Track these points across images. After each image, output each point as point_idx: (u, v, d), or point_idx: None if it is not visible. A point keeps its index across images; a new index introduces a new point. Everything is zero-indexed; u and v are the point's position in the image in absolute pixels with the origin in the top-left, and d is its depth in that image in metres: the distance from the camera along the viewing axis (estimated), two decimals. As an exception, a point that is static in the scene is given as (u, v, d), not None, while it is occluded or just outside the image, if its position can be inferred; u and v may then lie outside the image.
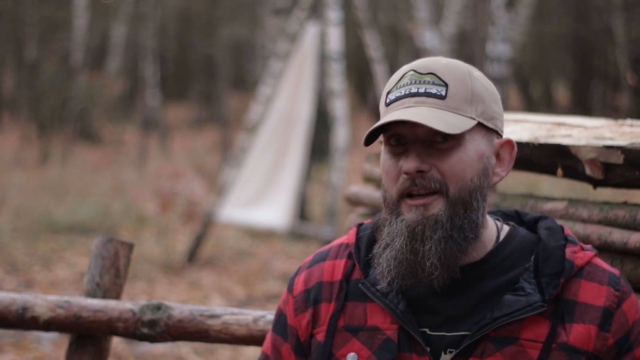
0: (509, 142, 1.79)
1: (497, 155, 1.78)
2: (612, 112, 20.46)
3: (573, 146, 2.25)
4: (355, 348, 1.77)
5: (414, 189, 1.71)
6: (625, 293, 1.75)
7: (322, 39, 10.89)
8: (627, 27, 20.09)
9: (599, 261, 1.78)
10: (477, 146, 1.73)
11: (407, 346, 1.74)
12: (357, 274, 1.82)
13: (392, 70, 17.67)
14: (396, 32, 23.71)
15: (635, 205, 2.21)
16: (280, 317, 1.90)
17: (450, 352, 1.72)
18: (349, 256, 1.85)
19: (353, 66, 23.70)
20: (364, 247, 1.83)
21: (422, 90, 1.73)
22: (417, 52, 15.57)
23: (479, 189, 1.73)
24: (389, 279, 1.72)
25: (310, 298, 1.84)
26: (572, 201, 2.33)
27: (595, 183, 2.30)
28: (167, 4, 24.83)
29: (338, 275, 1.83)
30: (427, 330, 1.74)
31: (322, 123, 12.46)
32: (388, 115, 1.72)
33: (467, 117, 1.72)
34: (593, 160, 2.21)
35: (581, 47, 23.21)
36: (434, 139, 1.71)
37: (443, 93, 1.72)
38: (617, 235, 2.16)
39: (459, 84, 1.73)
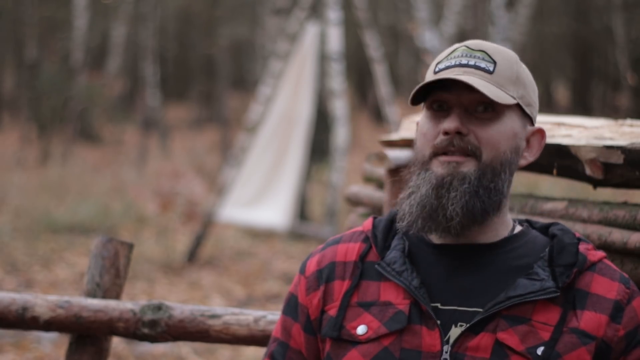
0: (540, 131, 1.87)
1: (528, 141, 1.86)
2: (612, 112, 20.46)
3: (573, 146, 2.25)
4: (366, 321, 1.81)
5: (450, 148, 1.78)
6: (635, 292, 1.80)
7: (322, 39, 10.89)
8: (627, 27, 20.10)
9: (609, 262, 1.84)
10: (513, 124, 1.81)
11: (417, 319, 1.77)
12: (372, 256, 1.87)
13: (392, 70, 17.68)
14: (396, 32, 23.72)
15: (635, 205, 2.21)
16: (290, 299, 1.93)
17: (461, 326, 1.75)
18: (364, 240, 1.90)
19: (353, 66, 23.69)
20: (380, 234, 1.89)
21: (472, 62, 1.81)
22: (417, 52, 15.58)
23: (508, 163, 1.80)
24: (409, 220, 1.79)
25: (323, 277, 1.88)
26: (572, 201, 2.33)
27: (595, 183, 2.31)
28: (167, 4, 24.83)
29: (352, 256, 1.88)
30: (438, 305, 1.78)
31: (322, 123, 12.47)
32: (439, 74, 1.79)
33: (509, 95, 1.80)
34: (593, 160, 2.21)
35: (581, 47, 23.21)
36: (476, 108, 1.79)
37: (491, 69, 1.80)
38: (617, 235, 2.16)
39: (507, 65, 1.82)
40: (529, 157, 1.86)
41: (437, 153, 1.79)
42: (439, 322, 1.76)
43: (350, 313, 1.83)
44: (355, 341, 1.80)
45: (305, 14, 10.51)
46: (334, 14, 10.64)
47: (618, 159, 2.16)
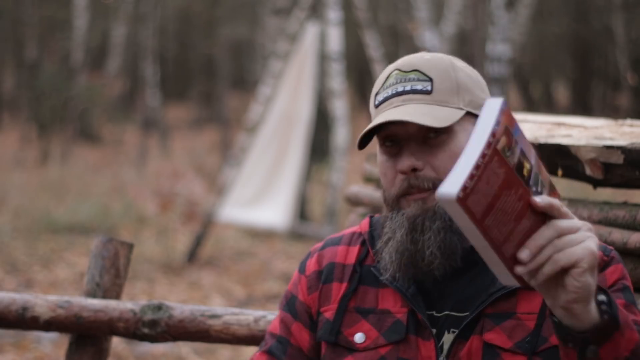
0: None
1: None
2: (612, 112, 20.46)
3: (573, 146, 2.25)
4: (364, 329, 1.80)
5: (410, 191, 1.75)
6: (613, 259, 1.76)
7: (322, 39, 10.89)
8: (627, 27, 20.10)
9: None
10: (468, 135, 1.75)
11: (414, 329, 1.77)
12: (369, 260, 1.86)
13: (392, 70, 17.62)
14: (396, 32, 23.72)
15: (635, 205, 2.21)
16: (290, 298, 1.92)
17: (453, 332, 1.75)
18: (362, 243, 1.89)
19: (353, 66, 23.69)
20: (377, 235, 1.87)
21: (408, 88, 1.76)
22: (417, 52, 15.56)
23: None
24: (391, 270, 1.76)
25: (322, 277, 1.88)
26: (572, 201, 2.33)
27: (595, 183, 2.31)
28: (167, 4, 24.83)
29: (351, 260, 1.87)
30: (434, 312, 1.78)
31: (322, 123, 12.47)
32: (377, 118, 1.76)
33: (455, 108, 1.75)
34: (593, 160, 2.21)
35: (581, 47, 23.21)
36: (426, 135, 1.74)
37: (429, 88, 1.76)
38: (617, 235, 2.16)
39: (444, 76, 1.77)
40: None
41: (402, 194, 1.76)
42: (434, 331, 1.76)
43: (347, 318, 1.82)
44: (352, 348, 1.80)
45: (305, 14, 10.51)
46: (334, 14, 10.64)
47: (618, 159, 2.16)
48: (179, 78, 28.78)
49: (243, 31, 23.87)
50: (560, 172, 2.35)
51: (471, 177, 1.40)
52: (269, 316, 2.42)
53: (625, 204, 2.24)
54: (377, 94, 1.80)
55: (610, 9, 20.34)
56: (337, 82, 10.70)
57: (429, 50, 13.00)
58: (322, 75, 11.53)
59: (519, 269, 1.48)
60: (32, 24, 21.84)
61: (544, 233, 1.48)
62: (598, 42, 22.50)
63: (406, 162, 1.74)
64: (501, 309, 1.74)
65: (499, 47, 12.06)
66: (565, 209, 1.51)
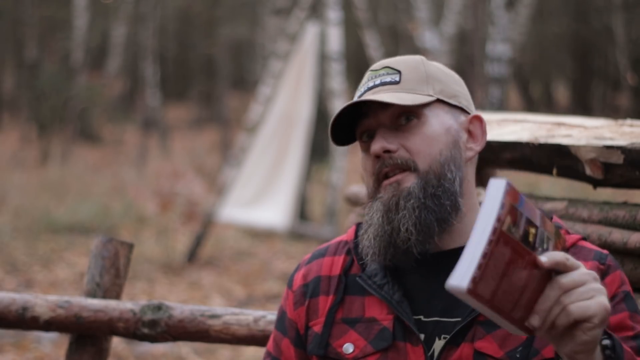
0: (476, 117, 1.84)
1: (469, 132, 1.83)
2: (612, 112, 20.46)
3: (573, 146, 2.25)
4: (352, 339, 1.80)
5: (384, 169, 1.77)
6: (611, 267, 1.76)
7: (322, 39, 10.89)
8: (627, 27, 20.10)
9: (585, 243, 1.80)
10: (441, 121, 1.79)
11: (401, 335, 1.76)
12: (355, 269, 1.86)
13: (392, 70, 17.61)
14: (396, 32, 23.72)
15: (635, 205, 2.21)
16: (281, 314, 1.93)
17: (444, 338, 1.74)
18: (348, 252, 1.89)
19: (353, 66, 23.69)
20: (361, 244, 1.86)
21: (377, 82, 1.82)
22: (417, 52, 15.57)
23: (450, 160, 1.78)
24: (371, 253, 1.77)
25: (308, 291, 1.88)
26: (572, 201, 2.33)
27: (595, 183, 2.30)
28: (167, 4, 24.84)
29: (337, 270, 1.87)
30: (422, 317, 1.77)
31: (322, 123, 12.47)
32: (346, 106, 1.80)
33: (423, 94, 1.79)
34: (593, 160, 2.21)
35: (581, 47, 23.21)
36: (397, 122, 1.78)
37: (397, 79, 1.81)
38: (617, 235, 2.16)
39: (412, 69, 1.82)
40: (475, 146, 1.83)
41: (379, 180, 1.78)
42: (422, 336, 1.75)
43: (335, 330, 1.82)
44: (341, 359, 1.80)
45: (305, 14, 10.51)
46: (334, 14, 10.64)
47: (618, 159, 2.16)
48: (179, 78, 28.78)
49: (243, 31, 23.87)
50: (555, 171, 2.35)
51: (479, 267, 1.45)
52: (269, 316, 2.42)
53: (625, 204, 2.23)
54: (354, 97, 1.84)
55: (610, 9, 20.34)
56: (337, 82, 10.71)
57: (429, 50, 13.00)
58: (322, 75, 11.53)
59: (536, 332, 1.52)
60: (32, 24, 21.84)
61: (549, 294, 1.50)
62: (598, 42, 22.50)
63: (378, 144, 1.76)
64: None
65: (499, 47, 12.07)
66: (571, 260, 1.51)
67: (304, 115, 10.77)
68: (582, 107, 21.91)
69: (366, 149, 1.81)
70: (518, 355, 1.70)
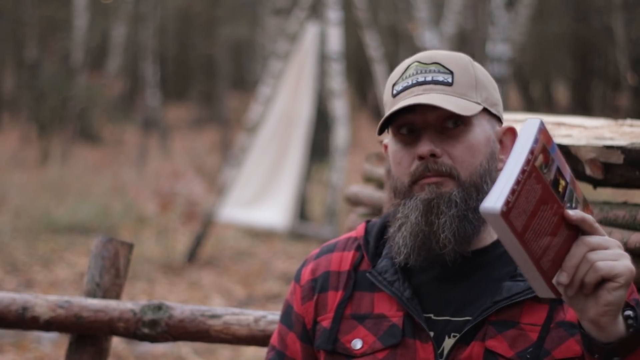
0: (511, 129, 1.83)
1: (500, 142, 1.82)
2: (612, 112, 20.47)
3: (573, 146, 2.25)
4: (360, 334, 1.80)
5: (426, 174, 1.74)
6: None
7: (322, 39, 10.89)
8: (627, 27, 20.10)
9: None
10: (484, 130, 1.77)
11: (411, 332, 1.76)
12: (364, 265, 1.86)
13: (392, 70, 17.67)
14: (396, 32, 23.72)
15: (635, 205, 2.21)
16: (287, 308, 1.93)
17: (454, 337, 1.74)
18: (357, 248, 1.88)
19: (353, 66, 23.69)
20: (372, 240, 1.87)
21: (429, 78, 1.77)
22: (417, 52, 15.56)
23: (488, 173, 1.77)
24: (404, 252, 1.75)
25: (317, 286, 1.87)
26: (572, 201, 2.33)
27: (595, 183, 2.30)
28: (167, 4, 24.83)
29: (346, 266, 1.87)
30: (432, 315, 1.77)
31: (322, 123, 12.47)
32: (403, 101, 1.75)
33: (473, 102, 1.77)
34: (593, 160, 2.21)
35: (581, 47, 23.21)
36: (444, 124, 1.75)
37: (450, 80, 1.76)
38: (617, 236, 2.16)
39: (463, 71, 1.78)
40: (505, 158, 1.81)
41: (415, 180, 1.75)
42: (432, 333, 1.75)
43: (344, 325, 1.82)
44: (350, 355, 1.79)
45: (305, 14, 10.51)
46: (334, 14, 10.65)
47: (618, 159, 2.16)
48: (179, 78, 28.78)
49: (243, 31, 23.87)
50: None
51: (512, 192, 1.47)
52: (269, 316, 2.42)
53: (625, 204, 2.23)
54: (394, 84, 1.79)
55: (610, 9, 20.34)
56: (337, 82, 10.71)
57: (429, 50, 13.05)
58: (322, 75, 11.54)
59: (562, 290, 1.55)
60: (32, 24, 21.83)
61: (576, 251, 1.54)
62: (598, 42, 22.50)
63: (426, 147, 1.73)
64: (505, 317, 1.73)
65: (499, 47, 12.06)
66: (597, 225, 1.56)
67: (304, 115, 10.78)
68: (582, 107, 21.92)
69: (404, 142, 1.77)
70: (529, 356, 1.71)
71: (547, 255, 1.52)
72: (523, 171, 1.48)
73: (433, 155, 1.74)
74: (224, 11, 24.30)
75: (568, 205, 1.55)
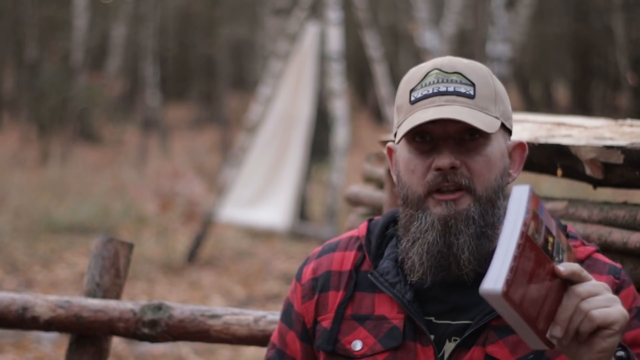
0: (521, 145, 1.82)
1: (510, 156, 1.80)
2: (612, 112, 20.46)
3: (573, 146, 2.25)
4: (361, 336, 1.79)
5: (444, 185, 1.72)
6: (625, 282, 1.76)
7: (322, 39, 10.89)
8: (627, 27, 20.10)
9: (599, 256, 1.80)
10: (499, 145, 1.76)
11: (412, 335, 1.75)
12: (366, 265, 1.84)
13: (392, 70, 17.71)
14: (396, 32, 23.72)
15: (635, 205, 2.21)
16: (287, 307, 1.92)
17: (455, 340, 1.73)
18: (359, 248, 1.86)
19: (353, 66, 23.69)
20: (374, 240, 1.85)
21: (451, 88, 1.74)
22: (417, 52, 15.58)
23: (500, 188, 1.76)
24: (420, 272, 1.74)
25: (318, 286, 1.86)
26: (572, 201, 2.33)
27: (595, 183, 2.30)
28: (167, 4, 24.83)
29: (347, 266, 1.85)
30: (432, 318, 1.76)
31: (322, 123, 12.47)
32: (425, 113, 1.72)
33: (493, 116, 1.74)
34: (593, 160, 2.21)
35: (581, 47, 23.21)
36: (463, 136, 1.72)
37: (472, 92, 1.74)
38: (617, 235, 2.16)
39: (484, 83, 1.77)
40: (514, 173, 1.81)
41: (430, 191, 1.73)
42: (432, 337, 1.74)
43: (344, 326, 1.81)
44: (350, 356, 1.79)
45: (305, 14, 10.51)
46: (334, 14, 10.64)
47: (618, 159, 2.16)
48: (179, 78, 28.77)
49: (243, 31, 23.87)
50: (560, 171, 2.35)
51: (511, 269, 1.47)
52: (269, 316, 2.42)
53: (625, 204, 2.23)
54: (413, 90, 1.76)
55: (610, 9, 20.34)
56: (337, 82, 10.71)
57: (429, 51, 12.99)
58: (322, 75, 11.53)
59: (557, 344, 1.56)
60: (32, 24, 21.83)
61: (568, 304, 1.54)
62: (598, 42, 22.50)
63: (447, 159, 1.70)
64: (506, 322, 1.73)
65: (499, 47, 12.06)
66: (585, 273, 1.56)
67: (304, 115, 10.77)
68: (582, 107, 21.91)
69: (419, 150, 1.74)
70: None
71: (541, 314, 1.52)
72: (518, 245, 1.48)
73: (453, 167, 1.71)
74: (224, 11, 24.30)
75: (557, 259, 1.55)
